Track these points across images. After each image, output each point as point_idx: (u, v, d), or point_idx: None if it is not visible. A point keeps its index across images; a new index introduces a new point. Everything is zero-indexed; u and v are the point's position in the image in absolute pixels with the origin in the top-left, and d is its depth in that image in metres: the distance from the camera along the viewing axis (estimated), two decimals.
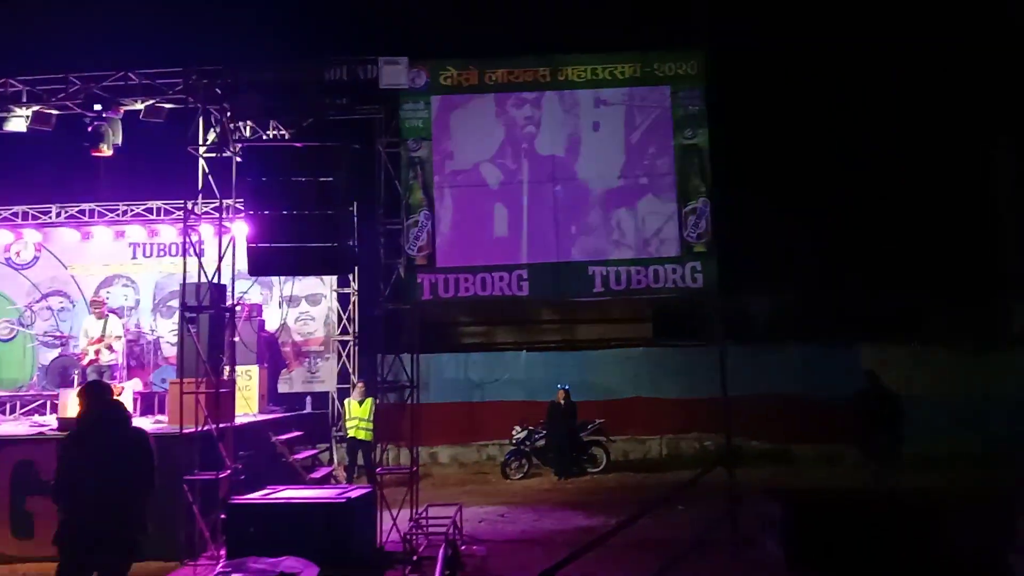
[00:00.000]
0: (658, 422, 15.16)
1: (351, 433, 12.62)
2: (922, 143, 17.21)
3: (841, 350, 14.66)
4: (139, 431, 5.40)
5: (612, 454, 13.87)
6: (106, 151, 10.13)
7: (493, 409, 15.38)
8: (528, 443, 13.63)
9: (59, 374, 12.31)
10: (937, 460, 12.11)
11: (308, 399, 13.99)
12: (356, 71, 9.79)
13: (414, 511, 8.82)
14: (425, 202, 9.19)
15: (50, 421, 10.05)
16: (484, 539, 8.82)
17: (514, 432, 13.76)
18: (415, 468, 9.15)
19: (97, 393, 5.25)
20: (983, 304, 16.65)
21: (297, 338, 15.03)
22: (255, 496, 7.91)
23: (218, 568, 2.48)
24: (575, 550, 7.70)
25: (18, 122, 10.15)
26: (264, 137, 11.03)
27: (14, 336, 14.44)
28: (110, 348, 11.23)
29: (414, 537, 8.25)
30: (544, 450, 13.62)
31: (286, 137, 10.98)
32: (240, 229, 11.25)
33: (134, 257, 15.01)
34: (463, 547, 8.19)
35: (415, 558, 7.76)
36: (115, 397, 5.53)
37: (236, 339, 10.23)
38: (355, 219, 9.75)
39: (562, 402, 13.68)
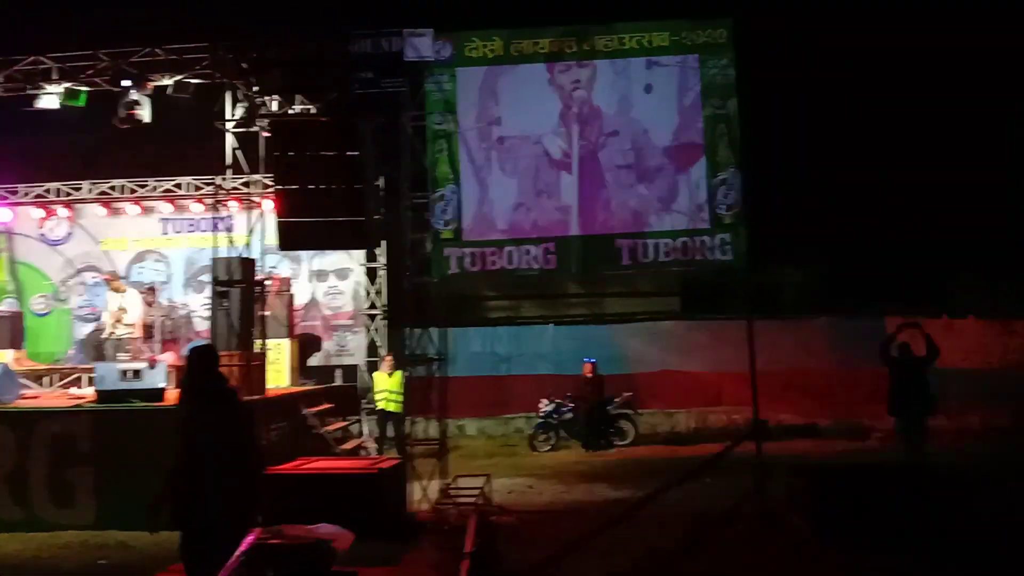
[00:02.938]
0: (686, 395, 15.11)
1: (380, 405, 12.74)
2: (955, 111, 16.83)
3: (870, 322, 14.48)
4: (243, 405, 5.11)
5: (640, 427, 13.88)
6: (136, 125, 10.21)
7: (520, 382, 15.42)
8: (555, 416, 13.68)
9: (94, 348, 12.54)
10: (967, 432, 11.95)
11: (338, 372, 14.14)
12: (381, 44, 9.77)
13: (443, 482, 8.90)
14: (452, 176, 9.18)
15: (87, 393, 10.26)
16: (513, 510, 8.88)
17: (541, 405, 13.81)
18: (444, 440, 9.23)
19: (197, 361, 4.83)
20: (1013, 275, 16.34)
21: (326, 312, 15.13)
22: (288, 467, 8.04)
23: (254, 535, 2.54)
24: (603, 522, 7.80)
25: (50, 99, 10.27)
26: (290, 112, 11.05)
27: (50, 311, 14.72)
28: (119, 321, 11.39)
29: (444, 507, 8.34)
30: (571, 423, 13.66)
31: (312, 111, 11.00)
32: (269, 204, 11.34)
33: (164, 232, 15.17)
34: (492, 517, 8.26)
35: (445, 528, 7.85)
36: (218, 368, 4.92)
37: (266, 313, 10.35)
38: (382, 193, 9.78)
39: (589, 375, 13.69)
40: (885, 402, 9.83)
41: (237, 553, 2.59)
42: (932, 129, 16.98)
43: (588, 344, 15.27)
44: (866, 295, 15.53)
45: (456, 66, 9.24)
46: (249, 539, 2.60)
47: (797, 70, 16.62)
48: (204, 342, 12.32)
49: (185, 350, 12.46)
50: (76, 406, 9.16)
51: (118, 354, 10.74)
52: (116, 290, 11.64)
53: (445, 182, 9.19)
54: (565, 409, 13.69)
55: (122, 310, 11.52)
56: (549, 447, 13.54)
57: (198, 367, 4.74)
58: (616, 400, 13.73)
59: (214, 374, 4.76)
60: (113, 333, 11.31)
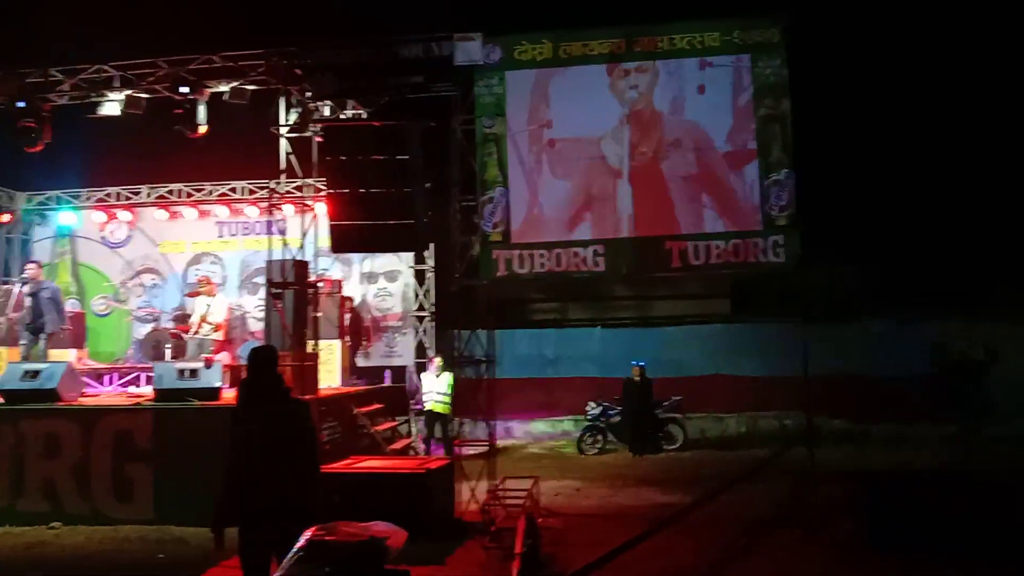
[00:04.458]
0: (736, 400, 14.91)
1: (429, 406, 12.85)
2: (1015, 109, 16.28)
3: (925, 326, 14.13)
4: (300, 404, 5.10)
5: (689, 431, 13.74)
6: (194, 132, 10.47)
7: (567, 385, 15.42)
8: (603, 419, 13.63)
9: (152, 347, 12.92)
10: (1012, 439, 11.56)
11: (387, 373, 14.31)
12: (430, 49, 9.88)
13: (491, 483, 8.93)
14: (500, 178, 9.22)
15: (146, 391, 10.56)
16: (560, 512, 8.87)
17: (589, 408, 13.77)
18: (492, 441, 9.27)
19: (257, 362, 4.85)
20: None
21: (376, 313, 15.32)
22: (339, 465, 8.16)
23: (309, 532, 2.59)
24: (652, 525, 7.75)
25: (112, 106, 10.61)
26: (342, 116, 11.22)
27: (110, 312, 15.19)
28: (204, 321, 11.78)
29: (492, 508, 8.37)
30: (619, 426, 13.59)
31: (363, 116, 11.15)
32: (321, 208, 11.53)
33: (220, 235, 15.55)
34: (539, 519, 8.27)
35: (492, 529, 7.88)
36: (276, 368, 4.92)
37: (319, 314, 10.53)
38: (431, 196, 9.86)
39: (637, 379, 13.61)
40: (940, 407, 9.61)
41: (294, 549, 2.65)
42: (993, 127, 16.46)
43: (636, 347, 15.18)
44: (921, 298, 15.14)
45: (505, 69, 9.29)
46: (306, 535, 2.66)
47: (851, 69, 16.29)
48: (257, 343, 12.63)
49: (240, 350, 12.78)
50: (136, 404, 9.42)
51: (201, 353, 11.09)
52: (208, 293, 12.06)
53: (494, 185, 9.23)
54: (613, 412, 13.62)
55: (208, 311, 11.95)
56: (596, 450, 13.50)
57: (257, 366, 4.81)
58: (665, 403, 13.62)
59: (272, 374, 4.82)
60: (198, 332, 11.71)
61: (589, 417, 13.72)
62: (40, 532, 8.46)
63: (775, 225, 8.78)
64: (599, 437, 13.61)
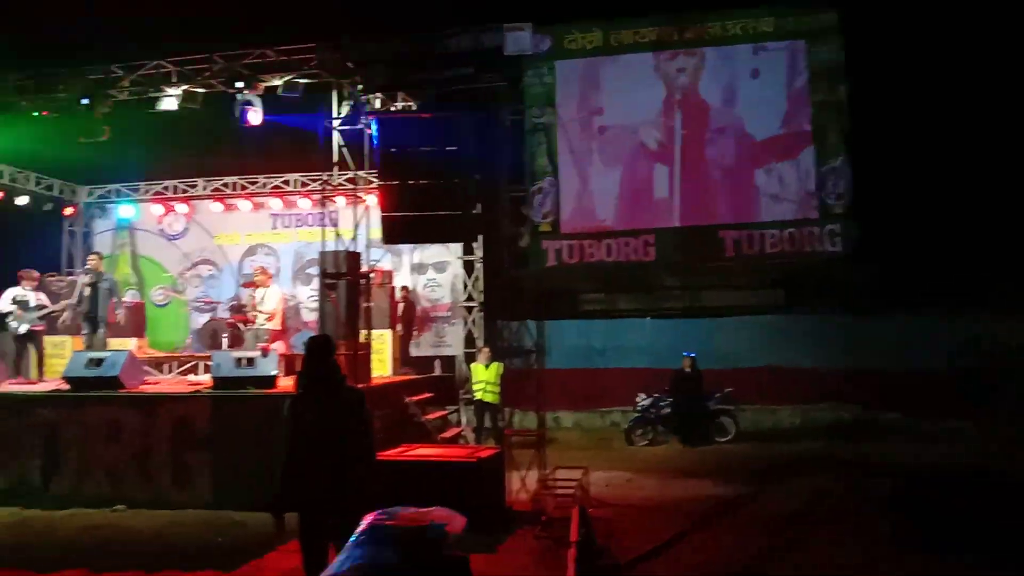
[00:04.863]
0: (789, 392, 14.68)
1: (478, 396, 12.90)
2: None
3: (984, 320, 13.72)
4: (355, 391, 5.17)
5: (741, 424, 13.57)
6: (248, 125, 10.65)
7: (616, 376, 15.35)
8: (653, 410, 13.53)
9: (209, 337, 13.24)
10: None
11: (437, 362, 14.43)
12: (480, 40, 9.90)
13: (541, 473, 8.95)
14: (550, 168, 9.19)
15: (204, 379, 10.83)
16: (611, 503, 8.87)
17: (638, 399, 13.69)
18: (543, 431, 9.28)
19: (314, 351, 4.91)
20: None
21: (425, 304, 15.45)
22: (391, 452, 8.26)
23: (371, 516, 2.64)
24: (704, 517, 7.70)
25: (170, 101, 10.86)
26: (392, 108, 11.31)
27: (168, 302, 15.61)
28: (258, 311, 12.03)
29: (542, 498, 8.40)
30: (670, 418, 13.48)
31: (413, 108, 11.23)
32: (372, 199, 11.67)
33: (274, 227, 15.84)
34: (590, 509, 8.26)
35: (543, 518, 7.90)
36: (331, 356, 4.97)
37: (370, 304, 10.66)
38: (480, 187, 9.89)
39: (688, 370, 13.49)
40: (990, 402, 9.36)
41: (356, 533, 2.70)
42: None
43: (686, 338, 15.02)
44: (982, 291, 14.68)
45: (555, 59, 9.24)
46: (367, 519, 2.70)
47: (911, 55, 15.79)
48: (310, 332, 12.85)
49: (293, 340, 13.02)
50: (195, 392, 9.65)
51: (258, 343, 11.34)
52: (262, 284, 12.32)
53: (543, 175, 9.20)
54: (663, 403, 13.52)
55: (262, 301, 12.20)
56: (646, 441, 13.42)
57: (315, 355, 4.87)
58: (716, 395, 13.47)
59: (329, 363, 4.88)
60: (254, 322, 11.99)
61: (639, 408, 13.64)
62: (105, 515, 8.73)
63: (831, 214, 8.58)
64: (649, 428, 13.53)
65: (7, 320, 11.43)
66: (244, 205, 15.67)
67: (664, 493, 9.62)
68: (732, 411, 13.54)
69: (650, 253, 8.83)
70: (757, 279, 15.81)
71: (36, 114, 11.33)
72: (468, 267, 15.27)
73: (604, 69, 9.12)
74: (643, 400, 13.62)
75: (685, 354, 13.70)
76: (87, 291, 11.49)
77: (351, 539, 2.85)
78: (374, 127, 10.05)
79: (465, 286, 15.26)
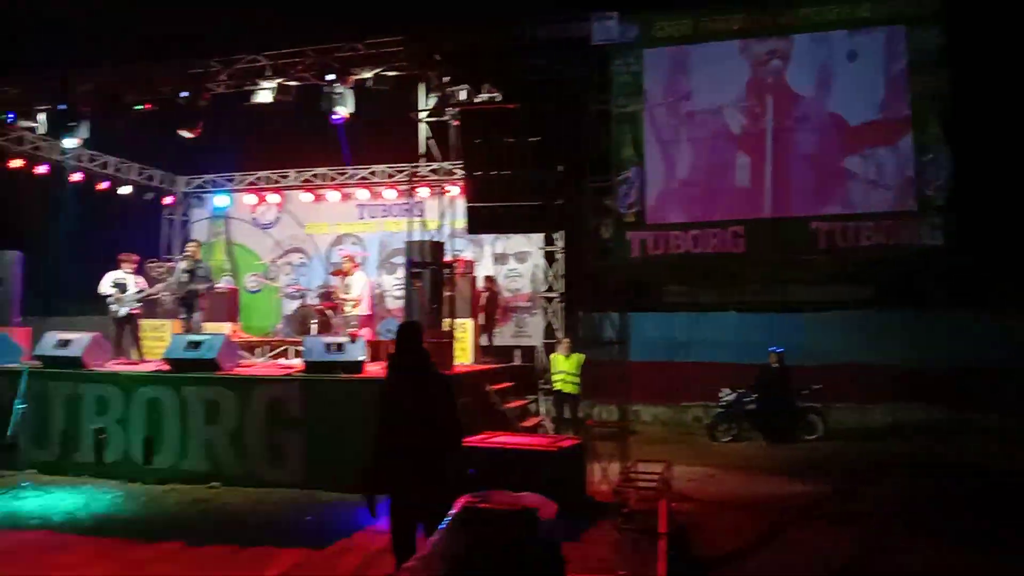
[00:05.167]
0: (880, 390, 14.15)
1: (558, 386, 12.93)
2: None
3: None
4: (443, 377, 5.29)
5: (829, 422, 13.19)
6: (339, 117, 10.91)
7: (698, 370, 15.11)
8: (737, 406, 13.28)
9: (299, 323, 13.65)
10: None
11: (516, 352, 14.52)
12: (566, 29, 9.87)
13: (623, 465, 8.92)
14: (636, 158, 9.08)
15: (295, 363, 11.19)
16: (694, 498, 8.77)
17: (722, 394, 13.45)
18: (625, 423, 9.24)
19: (405, 337, 5.05)
20: None
21: (506, 294, 15.55)
22: (474, 439, 8.37)
23: (464, 498, 2.70)
24: (794, 516, 7.53)
25: (264, 94, 11.21)
26: (477, 100, 11.40)
27: (261, 288, 16.18)
28: (346, 298, 12.40)
29: (624, 490, 8.35)
30: (755, 414, 13.21)
31: (497, 99, 11.29)
32: (456, 190, 11.82)
33: (361, 217, 16.23)
34: (672, 504, 8.19)
35: (625, 510, 7.87)
36: (419, 342, 5.08)
37: (453, 294, 10.81)
38: (563, 178, 9.87)
39: (775, 365, 13.19)
40: None
41: (450, 514, 2.77)
42: None
43: (771, 332, 14.69)
44: None
45: (643, 47, 9.10)
46: (460, 501, 2.78)
47: (1015, 42, 14.93)
48: (395, 320, 13.12)
49: (379, 327, 13.33)
50: (287, 375, 9.98)
51: (346, 329, 11.69)
52: (349, 272, 12.71)
53: (629, 165, 9.10)
54: (748, 399, 13.25)
55: (348, 288, 12.59)
56: (730, 437, 13.19)
57: (405, 341, 5.00)
58: (803, 392, 13.12)
59: (418, 348, 5.01)
60: (343, 309, 12.39)
61: (722, 404, 13.41)
62: (202, 490, 9.13)
63: (931, 205, 8.20)
64: (733, 424, 13.29)
65: (108, 303, 12.06)
66: (332, 196, 16.10)
67: (749, 490, 9.45)
68: (820, 409, 13.18)
69: (739, 245, 8.60)
70: (848, 272, 15.36)
71: (139, 107, 11.88)
72: (549, 258, 15.29)
73: (693, 55, 8.93)
74: (727, 395, 13.38)
75: (772, 349, 13.38)
76: (185, 277, 12.01)
77: (446, 520, 2.94)
78: (459, 118, 10.15)
79: (546, 276, 15.31)
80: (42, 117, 12.19)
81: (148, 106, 11.84)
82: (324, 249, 16.22)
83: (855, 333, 14.60)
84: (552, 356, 13.49)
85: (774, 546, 6.95)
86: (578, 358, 12.71)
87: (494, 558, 2.58)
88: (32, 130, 12.94)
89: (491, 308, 14.53)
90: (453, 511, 2.87)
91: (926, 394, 13.85)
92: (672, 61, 9.02)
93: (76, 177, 14.88)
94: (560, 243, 15.22)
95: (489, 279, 14.73)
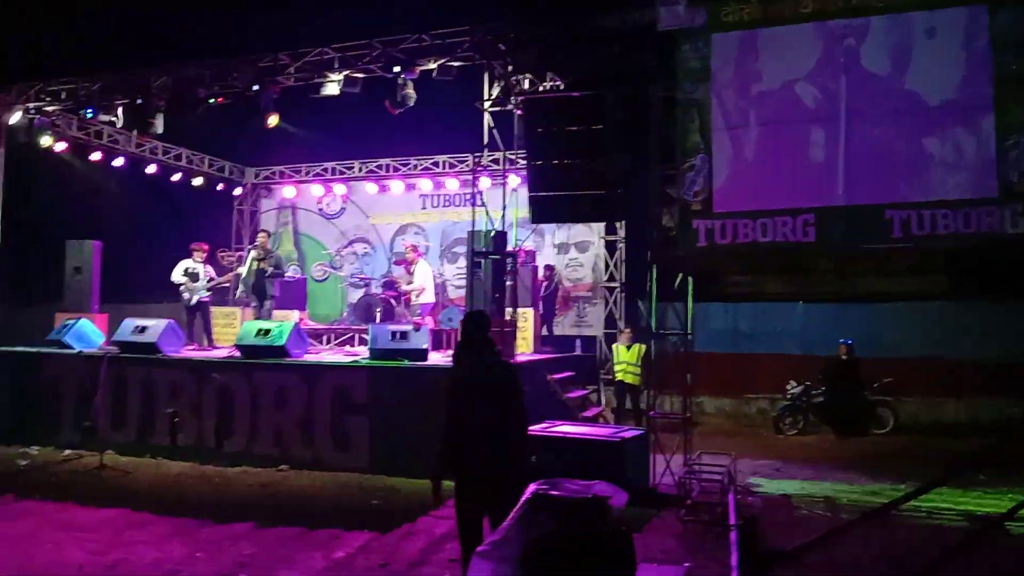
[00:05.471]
0: (955, 385, 13.65)
1: (619, 377, 12.88)
2: None
3: None
4: (509, 366, 5.34)
5: (900, 416, 12.80)
6: (404, 109, 11.01)
7: (764, 362, 14.81)
8: (804, 398, 13.00)
9: (364, 311, 13.88)
10: None
11: (577, 342, 14.50)
12: (631, 16, 9.75)
13: (687, 457, 8.83)
14: (702, 145, 8.90)
15: (360, 351, 11.39)
16: (759, 491, 8.64)
17: (789, 387, 13.18)
18: (688, 414, 9.14)
19: (472, 325, 5.10)
20: None
21: (566, 284, 15.54)
22: (536, 428, 8.39)
23: (535, 485, 2.71)
24: (866, 512, 7.35)
25: (332, 87, 11.38)
26: (541, 89, 11.37)
27: (327, 277, 16.51)
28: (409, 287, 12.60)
29: (688, 482, 8.29)
30: (823, 407, 12.91)
31: (561, 88, 11.24)
32: (516, 179, 11.83)
33: (423, 207, 16.41)
34: (738, 497, 8.08)
35: (688, 502, 7.81)
36: (486, 330, 5.10)
37: (515, 282, 10.84)
38: (625, 166, 9.77)
39: (845, 357, 12.86)
40: None
41: (521, 501, 2.78)
42: None
43: (839, 324, 14.28)
44: None
45: (710, 32, 8.90)
46: (531, 488, 2.78)
47: None
48: (456, 309, 13.22)
49: (440, 316, 13.46)
50: (353, 362, 10.16)
51: (410, 318, 11.89)
52: (411, 262, 12.92)
53: (695, 152, 8.92)
54: (816, 392, 12.96)
55: (412, 277, 12.81)
56: (796, 431, 12.92)
57: (472, 330, 5.04)
58: (874, 385, 12.77)
59: (485, 337, 5.03)
60: (409, 297, 12.63)
61: (789, 396, 13.14)
62: (271, 474, 9.38)
63: (1014, 192, 7.83)
64: (799, 417, 13.01)
65: (180, 291, 12.46)
66: (396, 186, 16.31)
67: (816, 485, 9.25)
68: (891, 402, 12.80)
69: (810, 234, 8.33)
70: (921, 262, 14.78)
71: (211, 101, 12.20)
72: (611, 247, 15.22)
73: (763, 37, 8.68)
74: (794, 388, 13.10)
75: (842, 341, 13.04)
76: (256, 266, 12.32)
77: (517, 506, 2.95)
78: (523, 107, 10.14)
79: (607, 266, 15.24)
80: (120, 111, 12.62)
81: (220, 100, 12.14)
82: (387, 239, 16.46)
83: (929, 325, 14.10)
84: (614, 346, 13.43)
85: (845, 542, 6.78)
86: (639, 348, 12.62)
87: (568, 545, 2.58)
88: (111, 124, 13.41)
89: (550, 297, 14.54)
90: (524, 497, 2.88)
91: (1003, 389, 13.31)
92: (742, 45, 8.78)
93: (151, 169, 15.39)
94: (622, 232, 15.13)
95: (548, 268, 14.73)
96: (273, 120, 11.67)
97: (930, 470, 9.31)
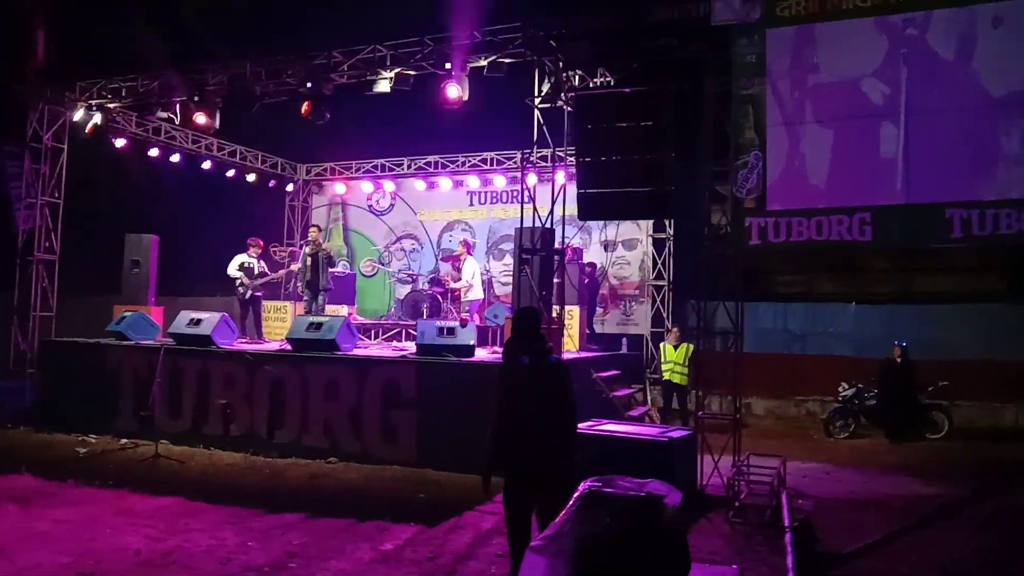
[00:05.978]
0: (1013, 388, 13.23)
1: (666, 376, 12.78)
2: None
3: None
4: (560, 362, 5.32)
5: (955, 420, 12.46)
6: (455, 106, 11.05)
7: (815, 363, 14.57)
8: (856, 401, 12.72)
9: (411, 306, 14.01)
10: None
11: (624, 340, 14.42)
12: (685, 9, 9.65)
13: (736, 458, 8.71)
14: (756, 142, 8.75)
15: (407, 346, 11.48)
16: (810, 495, 8.48)
17: (840, 389, 12.92)
18: (738, 415, 9.02)
19: (523, 322, 5.11)
20: None
21: (613, 281, 15.46)
22: (583, 426, 8.36)
23: (587, 482, 2.71)
24: (923, 516, 7.16)
25: (384, 84, 11.48)
26: (591, 85, 11.31)
27: (375, 273, 16.70)
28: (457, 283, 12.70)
29: (737, 483, 8.18)
30: (875, 410, 12.62)
31: (612, 84, 11.16)
32: (564, 176, 11.78)
33: (471, 204, 16.48)
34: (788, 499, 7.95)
35: (736, 504, 7.71)
36: (537, 326, 5.11)
37: (562, 280, 10.81)
38: (676, 163, 9.67)
39: (898, 359, 12.55)
40: None
41: (573, 498, 2.78)
42: None
43: (893, 325, 14.00)
44: None
45: (766, 26, 8.73)
46: (583, 485, 2.78)
47: None
48: (502, 306, 13.25)
49: (486, 312, 13.50)
50: (401, 357, 10.25)
51: (458, 314, 11.98)
52: (459, 258, 13.04)
53: (749, 148, 8.76)
54: (868, 394, 12.68)
55: (459, 274, 12.92)
56: (847, 434, 12.66)
57: (523, 326, 5.05)
58: (929, 388, 12.44)
59: (536, 334, 5.03)
60: (458, 294, 12.75)
61: (840, 398, 12.87)
62: (320, 465, 9.52)
63: None
64: (850, 420, 12.74)
65: (236, 284, 12.72)
66: (444, 183, 16.40)
67: (868, 488, 9.07)
68: (946, 406, 12.47)
69: (866, 233, 8.11)
70: (978, 263, 14.36)
71: (266, 98, 12.40)
72: (659, 245, 15.08)
73: (819, 34, 8.48)
74: (845, 390, 12.84)
75: (896, 343, 12.73)
76: (308, 261, 12.52)
77: (571, 502, 2.94)
78: (572, 104, 10.10)
79: (655, 263, 15.11)
80: (178, 108, 12.90)
81: (274, 97, 12.34)
82: (435, 235, 16.58)
83: (986, 327, 13.71)
84: (661, 345, 13.33)
85: (899, 546, 6.62)
86: (687, 348, 12.50)
87: (622, 542, 2.57)
88: (169, 120, 13.73)
89: (597, 295, 14.48)
90: (578, 494, 2.88)
91: None
92: (798, 39, 8.59)
93: (206, 165, 15.73)
94: (671, 230, 14.98)
95: (591, 265, 14.67)
96: (306, 108, 11.75)
97: (986, 476, 9.05)
